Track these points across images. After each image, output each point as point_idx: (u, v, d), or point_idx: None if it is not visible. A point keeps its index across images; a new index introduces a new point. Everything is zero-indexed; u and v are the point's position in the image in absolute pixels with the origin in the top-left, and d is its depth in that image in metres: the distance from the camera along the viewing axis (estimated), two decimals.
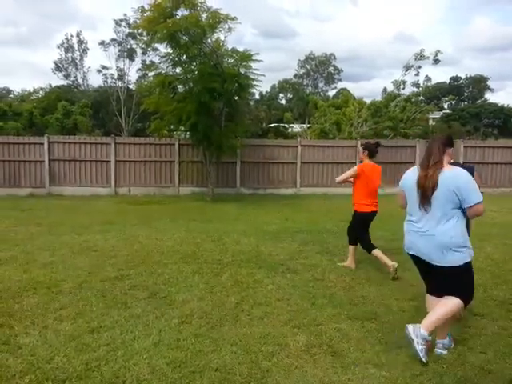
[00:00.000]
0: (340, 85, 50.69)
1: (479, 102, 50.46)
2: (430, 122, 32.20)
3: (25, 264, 5.27)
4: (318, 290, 4.39)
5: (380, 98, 22.39)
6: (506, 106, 45.05)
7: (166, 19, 10.59)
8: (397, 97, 20.00)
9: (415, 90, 22.43)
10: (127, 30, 33.34)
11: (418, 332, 2.89)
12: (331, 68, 51.70)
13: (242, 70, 11.68)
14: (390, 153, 13.98)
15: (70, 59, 38.76)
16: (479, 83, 56.16)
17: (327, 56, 51.14)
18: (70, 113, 25.74)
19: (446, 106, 47.81)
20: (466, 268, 2.99)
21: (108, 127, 32.18)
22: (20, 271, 4.96)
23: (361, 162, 5.33)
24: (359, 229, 5.23)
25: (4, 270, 5.00)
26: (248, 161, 13.78)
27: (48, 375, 2.73)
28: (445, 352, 3.04)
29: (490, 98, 53.91)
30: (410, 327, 2.93)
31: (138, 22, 11.84)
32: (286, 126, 26.97)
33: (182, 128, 12.93)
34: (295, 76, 51.92)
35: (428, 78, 39.59)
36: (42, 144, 13.12)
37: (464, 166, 3.46)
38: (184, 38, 11.04)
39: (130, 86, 35.03)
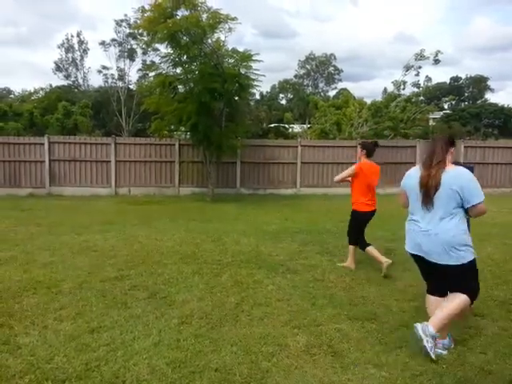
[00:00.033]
0: (340, 85, 50.76)
1: (479, 102, 50.46)
2: (431, 123, 32.20)
3: (25, 264, 5.27)
4: (318, 291, 4.38)
5: (380, 99, 22.40)
6: (506, 106, 45.09)
7: (167, 19, 10.60)
8: (397, 97, 20.00)
9: (415, 90, 22.43)
10: (128, 30, 33.37)
11: (426, 330, 2.91)
12: (331, 68, 51.71)
13: (243, 71, 11.68)
14: (391, 153, 13.98)
15: (71, 59, 38.77)
16: (479, 83, 56.17)
17: (327, 56, 51.16)
18: (70, 113, 25.75)
19: (446, 107, 47.81)
20: (471, 266, 3.01)
21: (108, 127, 32.18)
22: (20, 271, 4.96)
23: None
24: (357, 227, 5.24)
25: (4, 270, 5.00)
26: (248, 161, 13.78)
27: (48, 375, 2.73)
28: (445, 352, 3.04)
29: (491, 98, 53.97)
30: (419, 326, 2.94)
31: (139, 22, 11.87)
32: (287, 126, 26.97)
33: (183, 128, 12.94)
34: (295, 76, 51.97)
35: (428, 79, 39.70)
36: (43, 144, 13.12)
37: (464, 165, 3.47)
38: (184, 38, 11.05)
39: (131, 87, 35.07)
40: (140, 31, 13.06)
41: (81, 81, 39.79)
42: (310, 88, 51.90)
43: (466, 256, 2.97)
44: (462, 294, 3.01)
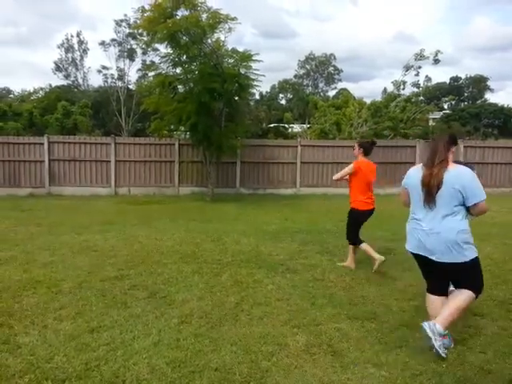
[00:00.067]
0: (340, 85, 50.78)
1: (479, 102, 50.48)
2: (430, 123, 32.22)
3: (25, 264, 5.27)
4: (318, 290, 4.39)
5: (380, 98, 22.41)
6: (505, 106, 45.10)
7: (166, 19, 10.60)
8: (397, 97, 20.00)
9: (415, 90, 22.48)
10: (127, 30, 33.40)
11: (434, 329, 2.92)
12: (331, 68, 51.74)
13: (242, 70, 11.68)
14: (390, 153, 13.98)
15: (70, 59, 38.82)
16: (479, 83, 56.19)
17: (327, 56, 51.18)
18: (70, 113, 25.74)
19: (446, 106, 47.83)
20: (473, 264, 3.03)
21: (108, 127, 32.19)
22: (20, 271, 4.97)
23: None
24: (355, 226, 5.26)
25: (4, 270, 5.00)
26: (248, 161, 13.78)
27: (48, 375, 2.73)
28: (445, 352, 3.04)
29: (490, 98, 54.00)
30: (426, 325, 2.95)
31: (139, 22, 11.86)
32: (286, 126, 26.97)
33: (182, 128, 12.94)
34: (295, 76, 51.99)
35: (428, 78, 39.70)
36: (42, 144, 13.12)
37: (465, 165, 3.47)
38: (184, 38, 11.04)
39: (130, 86, 35.10)
40: (140, 31, 13.05)
41: (80, 81, 39.88)
42: (309, 88, 51.93)
43: (468, 254, 2.99)
44: (466, 290, 3.04)
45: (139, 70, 33.43)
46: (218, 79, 10.97)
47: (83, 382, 2.67)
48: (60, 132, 22.59)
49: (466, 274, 3.04)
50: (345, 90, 37.44)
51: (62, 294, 4.23)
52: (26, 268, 5.08)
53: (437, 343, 2.90)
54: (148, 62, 25.14)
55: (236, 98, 12.39)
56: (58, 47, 38.61)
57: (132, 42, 33.19)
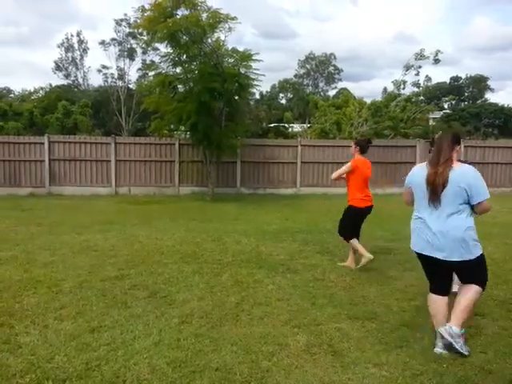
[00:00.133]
0: (340, 85, 50.77)
1: (479, 101, 50.45)
2: (431, 122, 32.18)
3: (25, 263, 5.27)
4: (319, 290, 4.39)
5: (380, 98, 22.40)
6: (506, 105, 45.06)
7: (167, 19, 10.60)
8: (397, 97, 19.99)
9: (415, 89, 22.39)
10: (127, 30, 33.39)
11: (451, 331, 2.96)
12: (331, 68, 51.73)
13: (242, 70, 11.69)
14: (391, 153, 13.98)
15: (71, 59, 38.84)
16: (479, 83, 56.15)
17: (327, 56, 51.16)
18: (70, 112, 25.73)
19: (446, 106, 47.79)
20: (479, 261, 3.05)
21: (108, 127, 32.19)
22: (20, 271, 4.97)
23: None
24: (352, 222, 5.28)
25: (4, 270, 5.00)
26: (248, 161, 13.78)
27: (48, 375, 2.73)
28: (445, 351, 3.05)
29: (491, 97, 53.95)
30: (443, 330, 2.99)
31: (139, 21, 11.85)
32: (286, 125, 26.95)
33: (182, 128, 12.94)
34: (295, 76, 51.99)
35: (428, 78, 39.61)
36: (43, 144, 13.12)
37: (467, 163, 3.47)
38: (184, 37, 11.05)
39: (131, 86, 35.10)
40: (140, 31, 13.05)
41: (81, 80, 39.91)
42: (309, 88, 51.92)
43: (475, 251, 3.01)
44: (474, 286, 3.06)
45: (139, 69, 33.48)
46: (218, 79, 10.97)
47: (84, 382, 2.67)
48: (60, 132, 22.59)
49: (473, 271, 3.07)
50: (345, 89, 37.45)
51: (63, 293, 4.23)
52: (27, 268, 5.08)
53: (458, 345, 2.95)
54: (148, 62, 25.23)
55: (236, 98, 12.39)
56: (58, 47, 38.72)
57: (132, 41, 33.25)
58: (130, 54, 34.84)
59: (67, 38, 38.42)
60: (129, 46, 34.71)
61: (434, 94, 45.08)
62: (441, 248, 3.02)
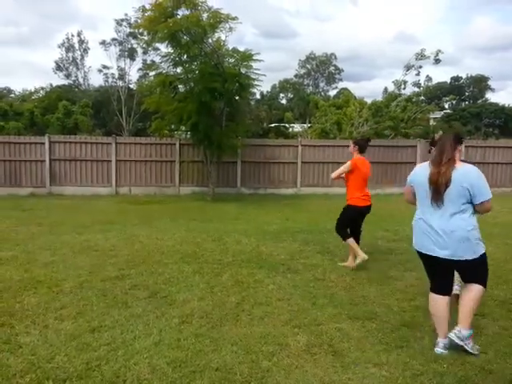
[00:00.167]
0: (341, 85, 50.73)
1: (480, 101, 50.43)
2: (431, 122, 32.15)
3: (26, 263, 5.28)
4: (319, 290, 4.39)
5: (381, 98, 22.37)
6: (506, 105, 45.04)
7: (167, 19, 10.60)
8: (397, 97, 19.97)
9: (416, 89, 22.36)
10: (128, 30, 33.36)
11: (460, 335, 3.01)
12: (332, 68, 51.67)
13: (243, 70, 11.69)
14: (391, 153, 13.97)
15: (71, 59, 38.78)
16: (480, 83, 56.09)
17: (328, 56, 51.11)
18: (70, 112, 25.72)
19: (446, 106, 47.75)
20: (483, 259, 3.08)
21: (109, 127, 32.19)
22: (21, 271, 4.97)
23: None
24: (348, 220, 5.31)
25: (5, 270, 5.01)
26: (249, 160, 13.78)
27: (49, 374, 2.73)
28: (445, 352, 3.05)
29: (491, 97, 53.96)
30: (453, 335, 3.02)
31: (139, 21, 11.86)
32: (287, 125, 26.95)
33: (183, 128, 12.96)
34: (296, 76, 51.91)
35: (429, 78, 39.63)
36: (43, 144, 13.13)
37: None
38: (185, 37, 11.06)
39: (131, 86, 35.08)
40: (140, 30, 13.05)
41: (81, 80, 39.84)
42: (310, 87, 51.87)
43: (478, 250, 3.03)
44: (476, 285, 3.08)
45: (140, 69, 33.46)
46: (219, 79, 10.97)
47: (84, 382, 2.67)
48: (61, 132, 22.59)
49: (476, 270, 3.08)
50: (345, 89, 37.43)
51: (63, 293, 4.23)
52: (27, 268, 5.09)
53: (468, 346, 3.01)
54: (149, 62, 25.21)
55: (237, 98, 12.39)
56: (59, 47, 38.63)
57: (133, 41, 33.19)
58: (131, 54, 34.83)
59: (68, 38, 38.41)
60: (129, 45, 34.70)
61: (435, 93, 45.03)
62: (444, 247, 3.02)
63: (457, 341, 3.00)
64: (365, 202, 5.22)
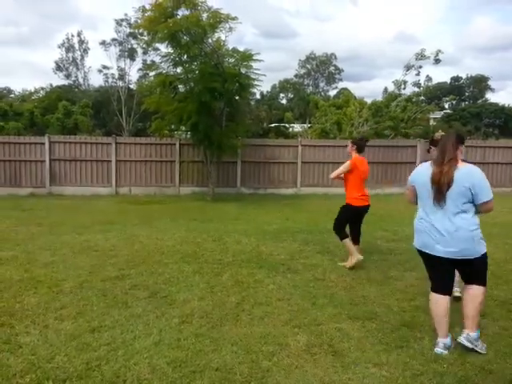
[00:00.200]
0: (341, 84, 50.77)
1: (480, 101, 50.44)
2: (431, 122, 32.15)
3: (26, 263, 5.28)
4: (319, 290, 4.39)
5: (381, 98, 22.36)
6: (506, 105, 45.08)
7: (167, 19, 10.60)
8: (398, 97, 19.96)
9: (416, 89, 22.33)
10: (128, 30, 33.39)
11: (470, 338, 3.04)
12: (332, 68, 51.70)
13: (243, 70, 11.68)
14: (391, 153, 13.96)
15: (71, 59, 38.83)
16: (480, 83, 56.12)
17: (328, 56, 51.14)
18: (70, 113, 25.74)
19: (446, 106, 47.77)
20: (484, 258, 3.10)
21: (109, 127, 32.19)
22: (21, 271, 4.97)
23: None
24: (345, 219, 5.32)
25: (5, 270, 5.01)
26: (249, 160, 13.77)
27: (49, 374, 2.73)
28: (445, 352, 3.05)
29: (491, 97, 54.00)
30: (463, 339, 3.06)
31: (139, 21, 11.87)
32: (287, 125, 26.97)
33: (183, 128, 12.95)
34: (296, 76, 51.95)
35: (429, 78, 39.59)
36: (43, 144, 13.12)
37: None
38: (185, 37, 11.05)
39: (131, 86, 35.11)
40: (140, 31, 13.05)
41: (81, 80, 39.89)
42: (310, 87, 51.90)
43: (480, 249, 3.05)
44: (477, 287, 3.10)
45: (140, 69, 33.47)
46: (219, 79, 10.97)
47: (84, 382, 2.67)
48: (61, 132, 22.59)
49: (477, 269, 3.10)
50: (345, 89, 37.44)
51: (63, 293, 4.23)
52: (27, 268, 5.09)
53: (478, 347, 3.04)
54: (149, 62, 25.16)
55: (237, 98, 12.38)
56: (59, 47, 38.70)
57: (133, 41, 33.23)
58: (131, 54, 34.84)
59: (68, 38, 38.47)
60: (129, 46, 34.73)
61: (435, 93, 45.03)
62: (447, 246, 3.03)
63: (467, 344, 3.03)
64: (363, 201, 5.24)
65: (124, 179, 13.51)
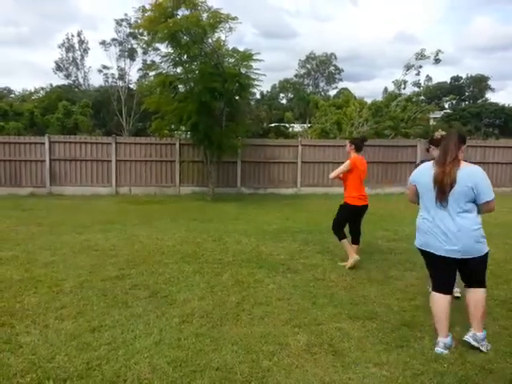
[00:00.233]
0: (341, 84, 50.77)
1: (480, 101, 50.45)
2: (431, 122, 32.17)
3: (26, 263, 5.28)
4: (319, 290, 4.39)
5: (381, 98, 22.37)
6: (506, 105, 45.09)
7: (167, 19, 10.59)
8: (397, 96, 19.97)
9: (416, 89, 22.34)
10: (128, 30, 33.39)
11: (477, 338, 3.07)
12: (332, 68, 51.70)
13: (243, 70, 11.68)
14: (391, 152, 13.96)
15: (71, 59, 38.82)
16: (480, 83, 56.10)
17: (328, 56, 51.13)
18: (70, 112, 25.73)
19: (446, 106, 47.77)
20: (486, 258, 3.12)
21: (109, 127, 32.19)
22: (21, 270, 4.97)
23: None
24: (344, 219, 5.34)
25: (5, 270, 5.01)
26: (249, 160, 13.78)
27: (49, 374, 2.73)
28: (446, 351, 3.05)
29: (491, 97, 54.01)
30: (470, 339, 3.09)
31: (139, 21, 11.86)
32: (287, 125, 26.98)
33: (183, 128, 12.94)
34: (296, 76, 51.94)
35: (429, 78, 39.59)
36: (43, 144, 13.12)
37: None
38: (185, 37, 11.05)
39: (131, 86, 35.10)
40: (140, 31, 13.04)
41: (81, 80, 39.88)
42: (310, 87, 51.88)
43: (483, 248, 3.07)
44: (478, 289, 3.13)
45: (140, 69, 33.47)
46: (219, 79, 10.97)
47: (84, 382, 2.67)
48: (61, 132, 22.59)
49: (479, 268, 3.12)
50: (345, 89, 37.47)
51: (63, 293, 4.23)
52: (27, 268, 5.09)
53: (483, 347, 3.07)
54: (149, 62, 25.14)
55: (237, 98, 12.38)
56: (59, 47, 38.67)
57: (133, 41, 33.22)
58: (131, 54, 34.83)
59: (68, 38, 38.45)
60: (129, 46, 34.72)
61: (435, 93, 45.00)
62: (450, 245, 3.03)
63: (473, 343, 3.06)
64: (361, 201, 5.26)
65: (124, 179, 13.52)
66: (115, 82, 35.68)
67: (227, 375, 2.74)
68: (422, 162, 3.91)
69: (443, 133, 4.28)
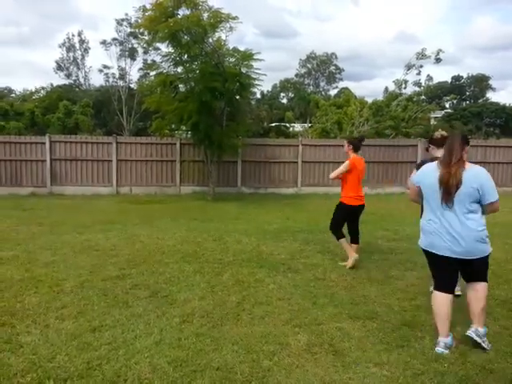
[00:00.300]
0: (341, 84, 50.79)
1: (481, 101, 50.43)
2: (432, 122, 32.14)
3: (26, 263, 5.28)
4: (319, 290, 4.39)
5: (381, 98, 22.33)
6: (507, 105, 45.05)
7: (168, 18, 10.60)
8: (398, 96, 19.94)
9: (417, 89, 22.32)
10: (129, 30, 33.45)
11: (479, 333, 3.09)
12: (332, 67, 51.70)
13: (244, 70, 11.68)
14: (392, 152, 13.94)
15: (72, 59, 38.86)
16: (481, 82, 56.07)
17: (328, 55, 51.13)
18: (71, 112, 25.74)
19: (447, 106, 47.76)
20: (488, 257, 3.13)
21: (109, 126, 32.21)
22: (22, 270, 4.97)
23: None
24: (341, 219, 5.36)
25: (6, 269, 5.01)
26: (249, 160, 13.77)
27: (49, 374, 2.74)
28: (446, 351, 3.05)
29: (492, 97, 54.02)
30: (472, 333, 3.10)
31: (140, 21, 11.86)
32: (288, 125, 26.98)
33: (184, 127, 12.95)
34: (296, 75, 51.94)
35: (430, 78, 39.53)
36: (44, 143, 13.13)
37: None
38: (185, 37, 11.05)
39: (132, 86, 35.13)
40: (141, 30, 13.04)
41: (82, 80, 39.92)
42: (311, 87, 51.88)
43: (487, 249, 3.08)
44: (480, 284, 3.14)
45: (140, 69, 33.48)
46: (220, 78, 10.97)
47: (85, 381, 2.67)
48: (61, 131, 22.60)
49: (482, 267, 3.14)
50: (346, 89, 37.43)
51: (64, 293, 4.24)
52: (28, 267, 5.09)
53: (484, 344, 3.09)
54: (149, 62, 25.15)
55: (237, 97, 12.37)
56: (60, 47, 38.75)
57: (133, 41, 33.24)
58: (132, 54, 34.86)
59: (68, 38, 38.50)
60: (130, 45, 34.75)
61: (436, 93, 44.91)
62: (455, 246, 3.03)
63: (476, 338, 3.07)
64: (357, 201, 5.28)
65: (125, 179, 13.52)
66: (116, 82, 35.75)
67: (228, 375, 2.74)
68: (422, 161, 3.91)
69: (443, 132, 4.29)
